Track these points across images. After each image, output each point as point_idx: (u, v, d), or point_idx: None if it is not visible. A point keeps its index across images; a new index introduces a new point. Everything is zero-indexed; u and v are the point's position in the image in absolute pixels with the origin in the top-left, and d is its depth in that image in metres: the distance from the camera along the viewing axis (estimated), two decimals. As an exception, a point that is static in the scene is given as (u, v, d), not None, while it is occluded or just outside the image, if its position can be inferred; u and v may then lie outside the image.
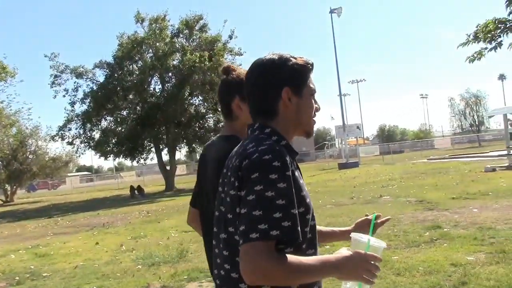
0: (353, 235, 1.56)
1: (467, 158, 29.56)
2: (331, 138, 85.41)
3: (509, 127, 20.40)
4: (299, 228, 1.34)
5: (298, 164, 1.56)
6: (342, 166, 34.12)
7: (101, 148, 29.25)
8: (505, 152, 21.30)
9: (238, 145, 1.56)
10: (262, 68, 1.56)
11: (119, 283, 6.25)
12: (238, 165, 1.40)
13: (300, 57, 1.59)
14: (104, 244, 9.60)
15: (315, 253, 1.48)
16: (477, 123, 64.55)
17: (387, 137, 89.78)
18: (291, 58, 1.56)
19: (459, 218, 8.44)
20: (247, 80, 1.60)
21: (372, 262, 1.42)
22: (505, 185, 12.67)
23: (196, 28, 30.14)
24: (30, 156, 34.62)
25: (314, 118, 1.62)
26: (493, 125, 71.88)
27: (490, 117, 57.09)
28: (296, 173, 1.44)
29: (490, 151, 32.27)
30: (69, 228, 13.54)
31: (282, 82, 1.52)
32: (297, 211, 1.35)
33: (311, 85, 1.59)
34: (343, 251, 1.46)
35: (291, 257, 1.32)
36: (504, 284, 4.59)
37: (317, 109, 1.62)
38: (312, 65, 1.60)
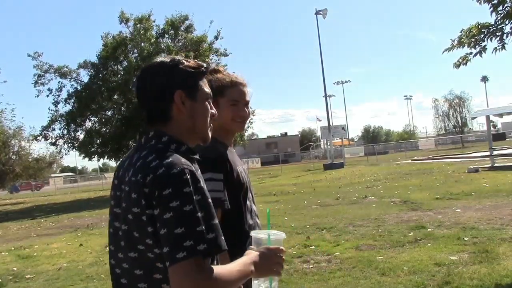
0: (253, 233, 1.58)
1: (451, 159, 29.88)
2: (316, 139, 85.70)
3: (492, 128, 20.66)
4: (222, 237, 1.32)
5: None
6: (328, 167, 34.24)
7: (85, 148, 28.98)
8: (487, 153, 21.56)
9: (131, 154, 1.48)
10: (153, 71, 1.48)
11: (103, 285, 6.19)
12: (142, 181, 1.32)
13: (194, 60, 1.53)
14: (88, 246, 9.51)
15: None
16: (460, 124, 65.14)
17: (372, 138, 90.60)
18: (183, 61, 1.49)
19: (442, 218, 8.53)
20: (138, 84, 1.51)
21: (279, 255, 1.48)
22: (487, 185, 12.85)
23: (182, 28, 29.99)
24: (13, 157, 34.07)
25: (210, 124, 1.56)
26: (476, 127, 72.90)
27: (473, 118, 57.57)
28: (201, 181, 1.38)
29: (473, 152, 32.60)
30: (52, 229, 13.39)
31: (174, 85, 1.45)
32: (217, 221, 1.32)
33: (206, 89, 1.53)
34: (251, 252, 1.47)
35: (217, 268, 1.29)
36: (486, 283, 4.65)
37: (213, 115, 1.56)
38: (206, 68, 1.54)
